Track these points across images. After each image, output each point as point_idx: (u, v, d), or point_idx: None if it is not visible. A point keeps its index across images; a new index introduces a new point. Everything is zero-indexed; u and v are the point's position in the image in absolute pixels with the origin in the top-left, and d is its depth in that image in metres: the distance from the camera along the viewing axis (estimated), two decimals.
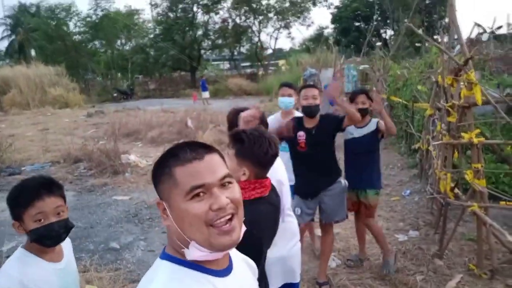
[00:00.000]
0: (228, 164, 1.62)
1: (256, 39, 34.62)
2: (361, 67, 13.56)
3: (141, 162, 8.00)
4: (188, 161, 0.92)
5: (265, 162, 1.74)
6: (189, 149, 0.95)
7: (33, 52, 33.70)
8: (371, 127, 3.48)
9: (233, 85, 27.43)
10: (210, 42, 35.01)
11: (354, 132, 3.50)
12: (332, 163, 3.24)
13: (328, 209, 3.24)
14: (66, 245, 1.71)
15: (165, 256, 0.97)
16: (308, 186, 3.23)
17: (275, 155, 1.77)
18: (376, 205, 3.58)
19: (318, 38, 29.80)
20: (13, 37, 35.64)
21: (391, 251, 3.65)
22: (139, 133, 11.27)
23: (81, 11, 35.63)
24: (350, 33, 31.23)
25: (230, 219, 0.92)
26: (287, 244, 2.20)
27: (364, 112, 3.40)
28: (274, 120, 3.50)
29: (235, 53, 37.92)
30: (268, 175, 2.03)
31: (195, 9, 33.49)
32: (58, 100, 21.32)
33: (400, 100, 8.07)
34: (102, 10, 33.02)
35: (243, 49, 37.06)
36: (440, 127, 4.29)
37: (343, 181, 3.27)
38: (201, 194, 0.90)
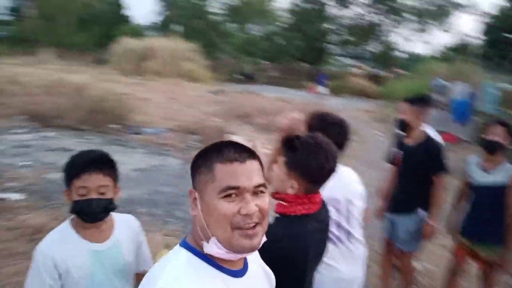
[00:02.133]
0: (276, 172, 1.50)
1: (386, 39, 32.74)
2: (504, 85, 11.75)
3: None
4: (230, 160, 0.95)
5: (318, 177, 1.49)
6: (233, 149, 0.97)
7: (178, 29, 37.28)
8: (504, 174, 2.74)
9: (354, 83, 26.45)
10: (337, 37, 34.22)
11: (478, 176, 2.85)
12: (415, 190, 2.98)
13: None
14: (125, 227, 1.64)
15: (185, 245, 1.00)
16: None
17: (332, 170, 1.50)
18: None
19: (460, 48, 26.79)
20: (167, 13, 39.86)
21: None
22: (251, 117, 11.66)
23: None
24: (498, 46, 27.36)
25: (255, 226, 0.94)
26: (347, 266, 2.01)
27: (495, 148, 2.75)
28: None
29: (362, 51, 36.45)
30: (337, 192, 1.86)
31: (327, 1, 32.97)
32: (189, 74, 23.18)
33: None
34: None
35: (371, 48, 35.44)
36: None
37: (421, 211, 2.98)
38: (233, 195, 0.93)
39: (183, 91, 17.65)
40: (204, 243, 0.95)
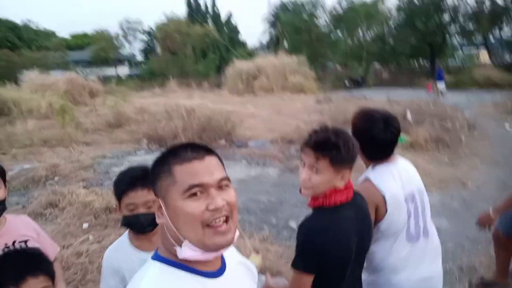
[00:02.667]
0: (320, 177, 1.46)
1: None
2: None
3: None
4: (188, 160, 0.95)
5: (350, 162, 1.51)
6: (190, 149, 0.98)
7: (285, 44, 38.40)
8: None
9: (479, 75, 23.48)
10: (458, 27, 30.88)
11: None
12: None
13: None
14: None
15: (156, 257, 0.99)
16: None
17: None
18: None
19: None
20: (272, 30, 41.58)
21: None
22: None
23: (325, 3, 37.87)
24: None
25: (226, 221, 0.93)
26: (426, 264, 1.85)
27: None
28: None
29: (491, 38, 32.10)
30: (409, 186, 1.80)
31: None
32: (296, 86, 23.62)
33: None
34: (346, 2, 34.17)
35: (502, 34, 30.97)
36: None
37: None
38: (198, 193, 0.92)
39: (289, 104, 18.02)
40: (178, 249, 0.93)
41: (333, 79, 30.54)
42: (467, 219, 4.56)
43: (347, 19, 33.06)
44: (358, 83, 27.84)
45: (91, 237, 4.38)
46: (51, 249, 1.83)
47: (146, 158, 8.42)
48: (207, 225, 0.91)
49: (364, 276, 1.83)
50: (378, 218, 1.75)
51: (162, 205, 0.95)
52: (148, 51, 44.75)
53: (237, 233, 0.98)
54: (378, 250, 1.77)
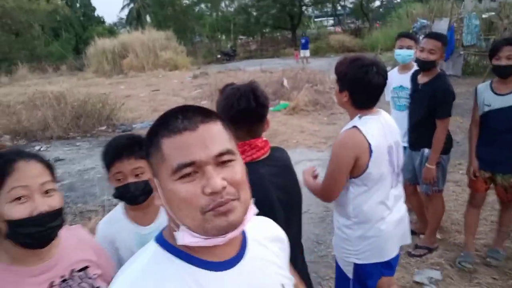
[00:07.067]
0: None
1: None
2: (485, 15, 11.61)
3: None
4: (177, 131, 0.74)
5: (232, 118, 1.39)
6: (181, 116, 0.76)
7: (148, 19, 36.47)
8: None
9: (334, 42, 26.14)
10: None
11: (492, 102, 2.75)
12: (423, 130, 2.93)
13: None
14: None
15: (158, 238, 0.84)
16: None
17: (243, 111, 1.41)
18: None
19: None
20: (131, 5, 38.95)
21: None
22: None
23: None
24: None
25: (230, 201, 0.74)
26: (402, 204, 2.01)
27: (509, 73, 2.63)
28: (392, 76, 3.18)
29: (339, 8, 35.84)
30: (390, 138, 1.82)
31: None
32: (168, 62, 22.82)
33: None
34: None
35: (347, 3, 34.82)
36: None
37: (426, 151, 2.95)
38: (192, 173, 0.73)
39: (165, 81, 17.41)
40: (176, 234, 0.77)
41: (204, 53, 30.39)
42: None
43: None
44: (229, 56, 28.26)
45: None
46: (114, 274, 1.40)
47: None
48: (206, 211, 0.72)
49: (350, 231, 1.89)
50: (358, 168, 1.77)
51: (157, 186, 0.78)
52: None
53: (251, 212, 0.80)
54: (363, 201, 1.83)
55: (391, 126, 1.88)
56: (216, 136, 0.76)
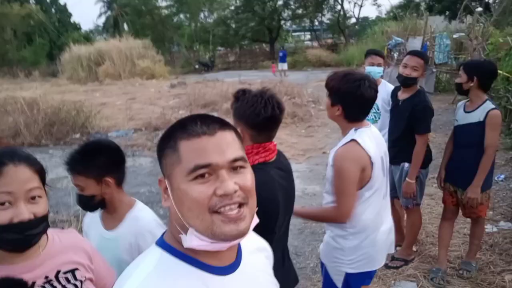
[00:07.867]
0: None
1: (338, 7, 33.04)
2: (456, 35, 12.13)
3: None
4: (196, 135, 0.80)
5: (257, 124, 1.50)
6: (200, 122, 0.82)
7: (125, 27, 36.07)
8: (479, 115, 2.73)
9: (312, 56, 26.60)
10: (290, 12, 34.16)
11: (460, 118, 2.87)
12: (403, 144, 2.98)
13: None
14: (132, 224, 1.54)
15: (160, 242, 0.86)
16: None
17: (270, 118, 1.50)
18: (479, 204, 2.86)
19: (408, 5, 27.35)
20: (108, 13, 38.44)
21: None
22: (216, 104, 11.47)
23: None
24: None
25: (239, 207, 0.78)
26: (390, 215, 2.07)
27: (462, 91, 2.85)
28: None
29: (316, 23, 36.62)
30: (376, 149, 1.86)
31: None
32: (145, 71, 22.58)
33: (501, 72, 7.04)
34: None
35: (324, 19, 35.65)
36: None
37: (406, 165, 3.01)
38: (206, 175, 0.78)
39: (142, 90, 17.20)
40: (182, 237, 0.80)
41: (182, 63, 30.27)
42: None
43: (188, 1, 32.89)
44: (207, 66, 28.26)
45: None
46: (109, 280, 1.33)
47: None
48: (215, 211, 0.76)
49: (344, 241, 1.90)
50: (364, 180, 1.80)
51: (167, 186, 0.81)
52: None
53: (255, 221, 0.84)
54: (361, 212, 1.85)
55: (379, 137, 1.95)
56: (231, 143, 0.82)
